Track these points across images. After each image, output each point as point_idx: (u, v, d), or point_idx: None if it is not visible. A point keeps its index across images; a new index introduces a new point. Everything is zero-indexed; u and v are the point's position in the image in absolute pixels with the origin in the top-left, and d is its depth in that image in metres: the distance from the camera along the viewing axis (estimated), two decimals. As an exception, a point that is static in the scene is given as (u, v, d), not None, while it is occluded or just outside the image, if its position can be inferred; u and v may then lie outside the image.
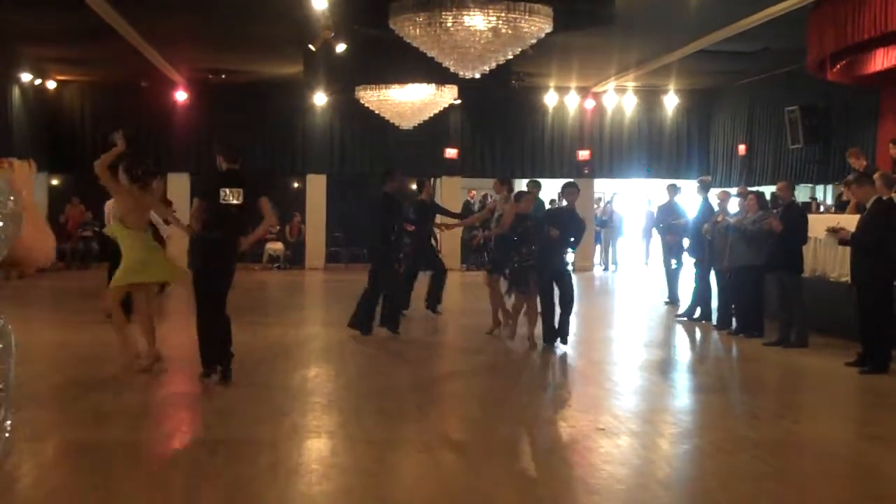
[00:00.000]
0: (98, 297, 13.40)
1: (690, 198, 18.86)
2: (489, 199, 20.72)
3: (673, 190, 17.70)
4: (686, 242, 16.28)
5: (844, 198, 15.14)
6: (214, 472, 6.44)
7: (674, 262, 17.17)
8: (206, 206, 9.33)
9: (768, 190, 19.30)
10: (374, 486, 6.26)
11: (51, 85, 23.41)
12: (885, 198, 10.70)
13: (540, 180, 16.65)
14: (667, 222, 17.24)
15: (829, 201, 18.84)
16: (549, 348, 11.92)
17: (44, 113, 23.31)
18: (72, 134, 23.92)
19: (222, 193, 9.14)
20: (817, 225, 12.99)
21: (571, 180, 13.40)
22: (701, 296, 14.87)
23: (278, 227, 9.40)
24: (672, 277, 17.27)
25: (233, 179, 9.28)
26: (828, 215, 14.55)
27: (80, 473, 6.47)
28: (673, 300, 17.17)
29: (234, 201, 9.15)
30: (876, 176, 11.19)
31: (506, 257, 12.46)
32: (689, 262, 16.04)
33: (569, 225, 12.16)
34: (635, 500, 6.03)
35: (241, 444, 7.09)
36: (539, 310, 12.12)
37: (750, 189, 14.95)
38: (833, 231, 11.93)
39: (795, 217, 12.59)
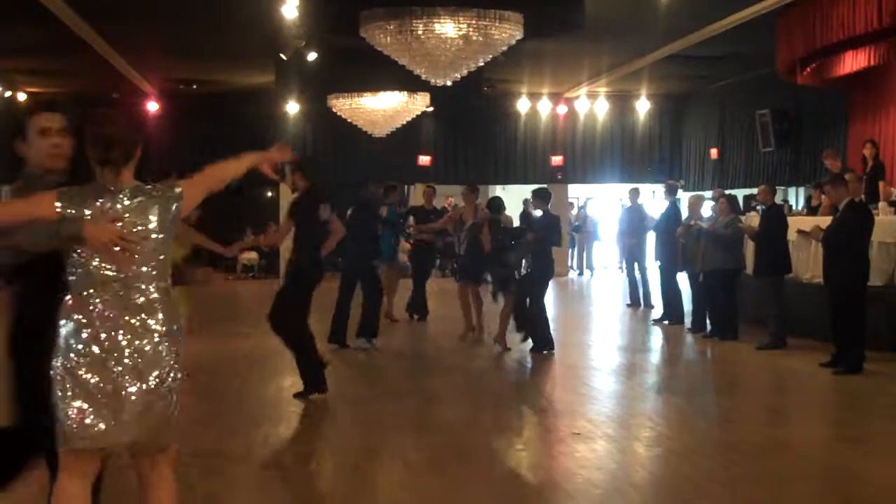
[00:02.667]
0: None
1: (653, 202, 19.05)
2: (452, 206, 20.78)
3: (635, 194, 17.85)
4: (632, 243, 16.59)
5: (814, 202, 15.24)
6: (188, 485, 6.38)
7: (636, 265, 17.31)
8: (311, 226, 9.23)
9: (741, 193, 19.49)
10: (349, 494, 6.23)
11: (21, 97, 23.23)
12: (857, 199, 10.78)
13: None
14: (631, 226, 17.38)
15: (801, 203, 18.95)
16: (536, 355, 12.00)
17: (14, 125, 23.08)
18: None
19: (323, 211, 9.29)
20: (791, 226, 13.04)
21: (543, 186, 13.40)
22: (671, 299, 14.92)
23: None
24: (635, 280, 17.38)
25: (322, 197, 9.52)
26: (800, 217, 14.61)
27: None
28: (635, 302, 17.26)
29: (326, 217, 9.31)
30: (848, 177, 11.27)
31: (478, 264, 12.48)
32: (652, 264, 16.16)
33: (546, 229, 12.23)
34: (612, 505, 6.03)
35: (214, 456, 7.03)
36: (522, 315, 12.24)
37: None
38: (803, 233, 12.01)
39: (775, 220, 12.63)
